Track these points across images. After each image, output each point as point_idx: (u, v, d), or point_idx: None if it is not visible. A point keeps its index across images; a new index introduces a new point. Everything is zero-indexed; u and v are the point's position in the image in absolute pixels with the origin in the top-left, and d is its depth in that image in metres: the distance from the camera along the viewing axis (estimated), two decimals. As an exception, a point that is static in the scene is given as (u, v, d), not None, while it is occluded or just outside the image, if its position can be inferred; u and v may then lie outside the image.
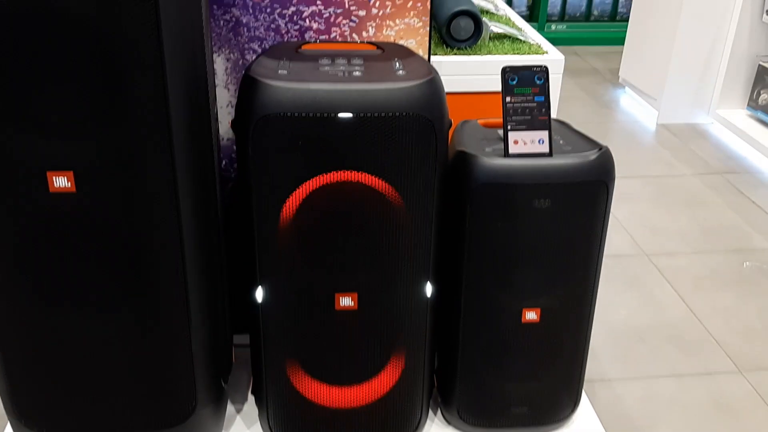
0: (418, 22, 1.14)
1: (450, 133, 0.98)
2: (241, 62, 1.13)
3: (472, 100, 1.29)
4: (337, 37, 1.13)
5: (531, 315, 1.04)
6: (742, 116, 3.06)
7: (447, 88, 0.95)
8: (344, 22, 1.12)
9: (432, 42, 1.18)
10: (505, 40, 1.40)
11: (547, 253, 1.00)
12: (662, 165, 2.81)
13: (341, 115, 0.87)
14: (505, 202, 0.97)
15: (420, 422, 1.12)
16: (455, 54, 1.32)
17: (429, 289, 1.01)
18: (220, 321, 1.07)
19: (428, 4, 1.12)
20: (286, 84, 0.88)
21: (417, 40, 1.15)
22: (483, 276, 1.02)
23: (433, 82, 0.91)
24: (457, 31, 1.33)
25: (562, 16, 4.30)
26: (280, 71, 0.91)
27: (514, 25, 1.50)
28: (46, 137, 0.83)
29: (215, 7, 1.09)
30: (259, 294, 0.99)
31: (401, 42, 1.14)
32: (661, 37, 3.14)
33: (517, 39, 1.41)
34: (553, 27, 4.26)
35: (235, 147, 1.16)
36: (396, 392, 1.07)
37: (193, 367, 1.01)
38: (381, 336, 1.02)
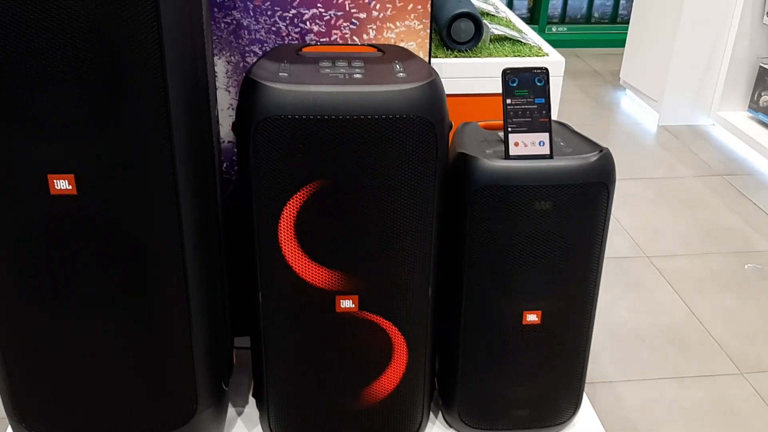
0: (418, 25, 1.14)
1: (450, 135, 0.98)
2: (241, 65, 1.13)
3: (473, 102, 1.29)
4: (338, 39, 1.13)
5: (532, 317, 1.04)
6: (743, 118, 3.06)
7: (447, 91, 0.95)
8: (345, 24, 1.12)
9: (432, 44, 1.18)
10: (505, 43, 1.40)
11: (548, 255, 1.00)
12: (663, 167, 2.81)
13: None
14: (506, 203, 0.97)
15: (421, 425, 1.12)
16: (456, 56, 1.32)
17: (430, 291, 1.01)
18: (220, 323, 1.07)
19: (429, 6, 1.13)
20: (286, 86, 0.88)
21: (418, 43, 1.15)
22: (484, 278, 1.02)
23: (434, 84, 0.91)
24: (458, 33, 1.33)
25: (563, 19, 4.30)
26: (280, 74, 0.91)
27: (514, 27, 1.50)
28: (46, 140, 0.83)
29: (216, 9, 1.09)
30: (260, 296, 0.99)
31: (402, 44, 1.14)
32: (662, 39, 3.14)
33: (518, 41, 1.41)
34: (554, 29, 4.26)
35: (235, 149, 1.16)
36: (397, 395, 1.06)
37: (194, 370, 1.01)
38: (381, 338, 1.02)
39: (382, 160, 0.90)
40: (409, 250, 0.97)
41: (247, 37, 1.12)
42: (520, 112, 0.99)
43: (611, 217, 1.02)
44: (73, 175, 0.85)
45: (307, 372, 1.04)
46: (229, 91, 1.15)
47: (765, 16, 2.95)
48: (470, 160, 0.98)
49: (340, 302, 0.98)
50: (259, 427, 1.13)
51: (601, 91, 3.60)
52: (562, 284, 1.03)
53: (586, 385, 1.15)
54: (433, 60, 1.20)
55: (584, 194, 0.98)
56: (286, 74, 0.91)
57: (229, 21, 1.10)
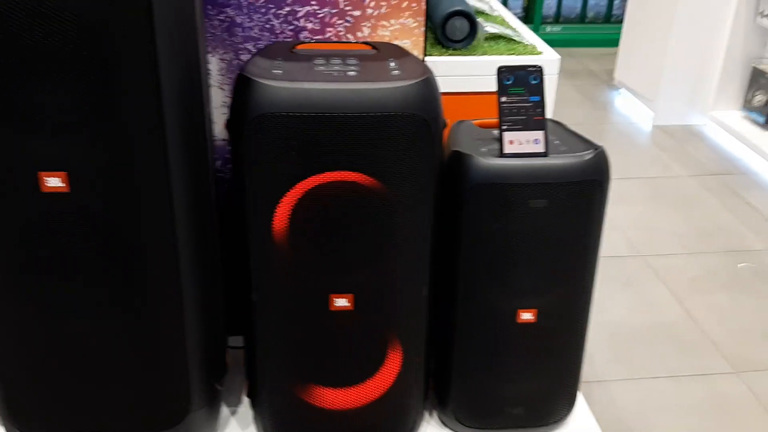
0: (413, 23, 1.13)
1: (445, 133, 0.98)
2: (235, 62, 1.13)
3: (468, 100, 1.29)
4: (332, 37, 1.13)
5: (527, 315, 1.04)
6: (737, 118, 3.07)
7: (442, 89, 0.95)
8: (339, 22, 1.12)
9: (427, 42, 1.18)
10: (500, 41, 1.40)
11: (543, 253, 1.00)
12: (658, 166, 2.82)
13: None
14: (501, 202, 0.97)
15: (415, 424, 1.12)
16: (450, 54, 1.31)
17: (424, 289, 1.01)
18: (214, 322, 1.06)
19: (423, 4, 1.12)
20: (280, 83, 0.88)
21: (412, 41, 1.15)
22: (479, 276, 1.02)
23: (428, 82, 0.91)
24: (453, 31, 1.32)
25: (557, 18, 4.30)
26: (274, 71, 0.91)
27: (509, 26, 1.49)
28: (38, 137, 0.83)
29: (209, 7, 1.08)
30: (254, 295, 0.99)
31: (396, 42, 1.14)
32: (656, 38, 3.15)
33: (513, 39, 1.41)
34: (548, 29, 4.27)
35: (229, 147, 1.16)
36: (391, 394, 1.06)
37: (187, 369, 1.00)
38: (376, 337, 1.02)
39: (377, 157, 0.90)
40: (403, 249, 0.97)
41: (241, 34, 1.11)
42: (515, 110, 0.99)
43: (606, 216, 1.02)
44: (65, 172, 0.85)
45: (301, 371, 1.04)
46: (222, 89, 1.15)
47: (759, 17, 2.96)
48: (465, 158, 0.98)
49: (334, 301, 0.98)
50: (253, 427, 1.13)
51: (596, 90, 3.60)
52: (557, 282, 1.03)
53: (581, 383, 1.15)
54: (427, 58, 1.20)
55: (579, 192, 0.98)
56: (280, 71, 0.91)
57: (222, 18, 1.10)
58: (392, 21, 1.13)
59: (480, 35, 1.37)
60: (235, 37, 1.11)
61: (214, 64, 1.13)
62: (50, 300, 0.93)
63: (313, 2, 1.10)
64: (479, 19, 1.38)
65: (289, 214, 0.93)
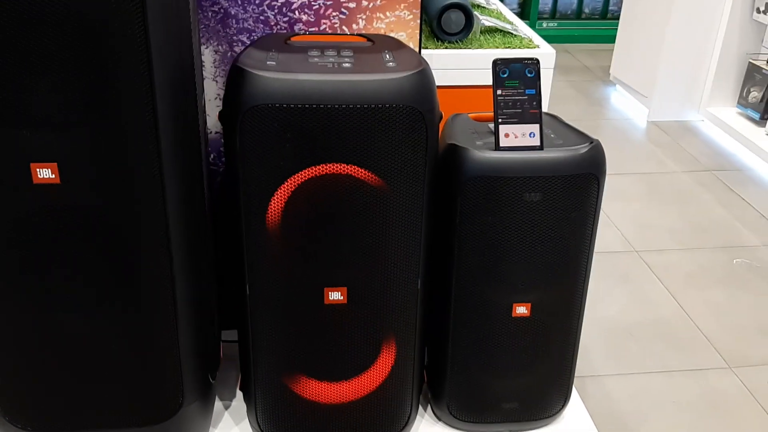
0: (408, 15, 1.13)
1: (441, 126, 0.97)
2: (229, 54, 1.12)
3: (463, 93, 1.28)
4: (327, 29, 1.12)
5: (521, 309, 1.03)
6: (732, 114, 3.07)
7: (438, 82, 0.94)
8: (334, 14, 1.11)
9: (423, 35, 1.17)
10: (496, 34, 1.39)
11: (538, 246, 0.99)
12: (653, 162, 2.82)
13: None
14: (496, 195, 0.96)
15: (410, 418, 1.11)
16: (446, 47, 1.31)
17: (419, 283, 1.00)
18: (208, 316, 1.06)
19: (419, -4, 1.11)
20: (274, 74, 0.87)
21: (408, 33, 1.14)
22: (473, 270, 1.01)
23: (424, 74, 0.90)
24: (448, 24, 1.32)
25: (554, 14, 4.30)
26: (268, 62, 0.90)
27: (505, 19, 1.49)
28: (29, 128, 0.82)
29: (203, -2, 1.08)
30: (247, 289, 0.98)
31: (392, 35, 1.13)
32: (652, 35, 3.15)
33: (508, 33, 1.40)
34: (544, 25, 4.26)
35: (223, 139, 1.15)
36: (386, 388, 1.06)
37: (181, 363, 1.00)
38: (370, 331, 1.02)
39: (372, 149, 0.89)
40: (398, 242, 0.96)
41: (235, 26, 1.10)
42: (510, 103, 0.98)
43: (601, 211, 1.01)
44: (56, 164, 0.84)
45: (295, 365, 1.03)
46: (216, 81, 1.14)
47: (754, 12, 2.96)
48: (460, 151, 0.97)
49: (328, 294, 0.97)
50: (247, 420, 1.12)
51: (591, 86, 3.60)
52: (551, 276, 1.02)
53: (575, 378, 1.15)
54: (423, 51, 1.19)
55: (574, 186, 0.97)
56: (274, 63, 0.90)
57: (216, 10, 1.09)
58: (388, 13, 1.12)
59: (476, 28, 1.37)
60: (229, 28, 1.10)
61: (207, 56, 1.12)
62: (42, 294, 0.92)
63: (307, -6, 1.09)
64: (475, 12, 1.37)
65: (282, 207, 0.92)
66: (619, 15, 3.47)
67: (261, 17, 1.10)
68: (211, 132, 1.18)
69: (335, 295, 0.98)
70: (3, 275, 0.90)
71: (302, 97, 0.86)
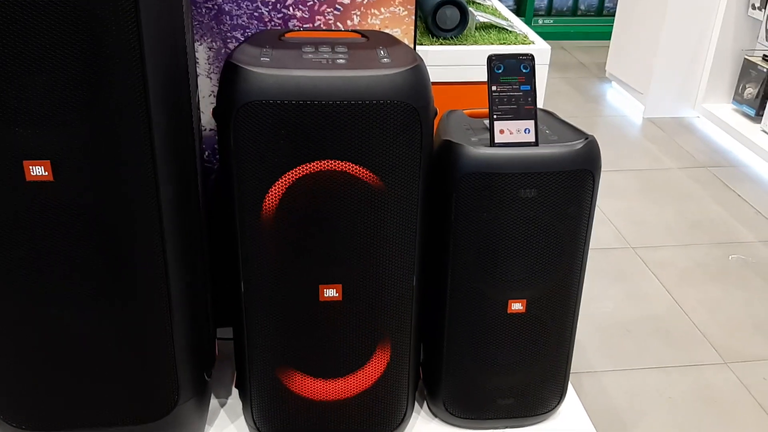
0: (403, 11, 1.12)
1: (436, 122, 0.97)
2: (223, 51, 1.12)
3: (458, 90, 1.28)
4: (321, 25, 1.12)
5: (517, 306, 1.03)
6: (727, 110, 3.07)
7: (433, 78, 0.94)
8: (328, 10, 1.11)
9: (417, 31, 1.17)
10: (491, 30, 1.39)
11: (533, 242, 0.99)
12: (648, 159, 2.82)
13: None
14: (491, 191, 0.96)
15: (405, 415, 1.11)
16: (441, 44, 1.30)
17: (414, 280, 1.00)
18: (202, 313, 1.05)
19: (413, -8, 1.11)
20: (268, 71, 0.87)
21: (402, 29, 1.14)
22: (468, 266, 1.01)
23: (418, 70, 0.90)
24: (443, 20, 1.32)
25: (549, 11, 4.30)
26: (262, 58, 0.90)
27: (500, 15, 1.49)
28: (22, 125, 0.81)
29: (197, -6, 1.07)
30: (242, 286, 0.98)
31: (386, 31, 1.13)
32: (648, 31, 3.15)
33: (504, 29, 1.40)
34: (540, 21, 4.26)
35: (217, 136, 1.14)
36: (381, 385, 1.06)
37: (176, 361, 0.99)
38: (366, 328, 1.01)
39: (366, 145, 0.89)
40: (393, 238, 0.96)
41: (229, 22, 1.10)
42: (505, 99, 0.98)
43: (597, 208, 1.01)
44: (49, 161, 0.83)
45: (290, 362, 1.03)
46: (210, 78, 1.14)
47: (749, 8, 2.97)
48: (455, 147, 0.97)
49: (323, 291, 0.97)
50: (242, 418, 1.12)
51: (587, 83, 3.60)
52: (547, 272, 1.02)
53: (571, 374, 1.15)
54: (418, 47, 1.19)
55: (570, 182, 0.97)
56: (268, 59, 0.90)
57: (210, 6, 1.09)
58: (382, 9, 1.12)
59: (471, 24, 1.36)
60: (223, 25, 1.10)
61: (201, 53, 1.12)
62: (36, 293, 0.91)
63: (302, -10, 1.08)
64: (470, 8, 1.37)
65: (277, 204, 0.92)
66: (615, 12, 3.47)
67: (255, 14, 1.10)
68: (205, 129, 1.17)
69: (330, 292, 0.97)
70: (-3, 273, 0.90)
71: (296, 93, 0.86)
